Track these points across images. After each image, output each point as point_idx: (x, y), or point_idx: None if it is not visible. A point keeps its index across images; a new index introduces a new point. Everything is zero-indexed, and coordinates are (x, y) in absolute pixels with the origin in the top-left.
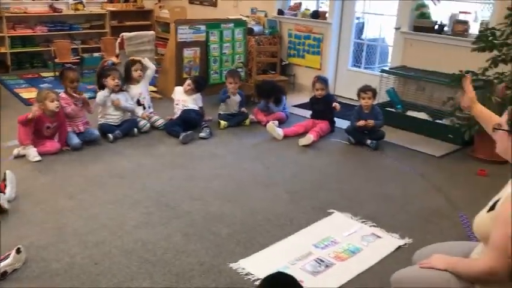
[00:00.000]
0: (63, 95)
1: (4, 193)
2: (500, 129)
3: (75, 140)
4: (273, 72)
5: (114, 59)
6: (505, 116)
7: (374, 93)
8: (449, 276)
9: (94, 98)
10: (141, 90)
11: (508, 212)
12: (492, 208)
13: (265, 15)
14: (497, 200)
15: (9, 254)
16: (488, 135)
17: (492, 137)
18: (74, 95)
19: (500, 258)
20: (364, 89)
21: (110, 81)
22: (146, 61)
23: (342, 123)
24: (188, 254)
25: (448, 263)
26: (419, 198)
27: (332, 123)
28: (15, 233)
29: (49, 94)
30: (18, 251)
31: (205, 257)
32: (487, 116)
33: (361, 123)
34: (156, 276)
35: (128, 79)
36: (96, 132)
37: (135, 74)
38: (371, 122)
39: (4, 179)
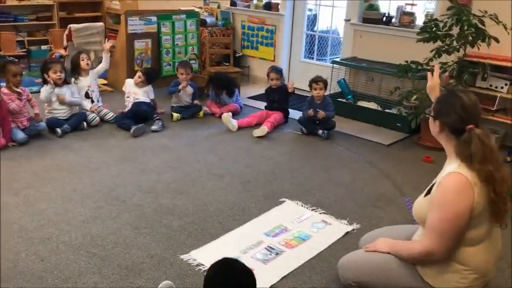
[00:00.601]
0: (4, 89)
1: None
2: (428, 114)
3: (20, 135)
4: (227, 63)
5: (62, 52)
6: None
7: (325, 84)
8: (392, 258)
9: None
10: (90, 82)
11: (440, 196)
12: (429, 192)
13: (218, 7)
14: (433, 184)
15: None
16: None
17: None
18: (16, 89)
19: (435, 240)
20: (316, 80)
21: (52, 75)
22: (105, 57)
23: (295, 114)
24: (138, 247)
25: (391, 246)
26: (368, 185)
27: (286, 113)
28: None
29: None
30: None
31: (155, 250)
32: None
33: (310, 112)
34: (105, 271)
35: (76, 70)
36: (43, 124)
37: (83, 63)
38: (322, 114)
39: None
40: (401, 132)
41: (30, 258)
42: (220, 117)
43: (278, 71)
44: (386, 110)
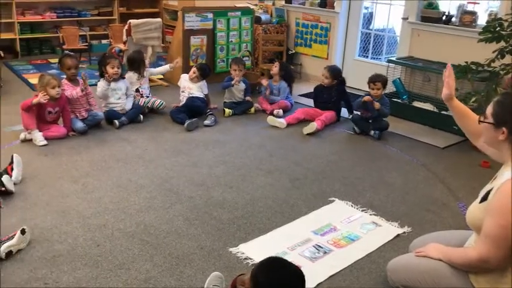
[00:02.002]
0: (65, 81)
1: (11, 176)
2: (485, 122)
3: (80, 124)
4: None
5: (121, 46)
6: (490, 109)
7: (384, 83)
8: (443, 264)
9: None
10: (143, 80)
11: (499, 202)
12: (484, 199)
13: (273, 4)
14: (490, 190)
15: (14, 235)
16: None
17: (462, 130)
18: (86, 84)
19: (491, 247)
20: (375, 80)
21: (109, 70)
22: (166, 68)
23: (347, 113)
24: (189, 237)
25: (442, 252)
26: (420, 188)
27: (338, 112)
28: (21, 214)
29: (50, 81)
30: (23, 232)
31: (205, 241)
32: (463, 111)
33: (367, 98)
34: (157, 259)
35: (141, 66)
36: (100, 114)
37: (147, 62)
38: (377, 105)
39: (11, 162)
40: (458, 136)
41: (88, 243)
42: (271, 113)
43: (329, 70)
44: (443, 112)
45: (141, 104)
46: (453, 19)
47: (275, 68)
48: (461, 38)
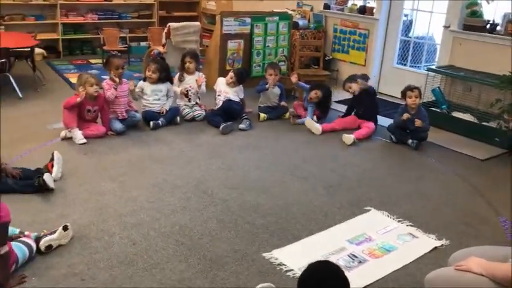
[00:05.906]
0: (108, 81)
1: (51, 173)
2: None
3: (119, 126)
4: (316, 66)
5: (160, 49)
6: None
7: (420, 93)
8: (485, 280)
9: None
10: (192, 83)
11: None
12: None
13: (311, 10)
14: None
15: (56, 230)
16: None
17: None
18: (115, 78)
19: None
20: (411, 88)
21: (147, 73)
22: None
23: (384, 122)
24: (223, 240)
25: (485, 267)
26: (459, 200)
27: (375, 121)
28: (59, 210)
29: (89, 79)
30: (65, 228)
31: (239, 245)
32: None
33: (406, 116)
34: (191, 260)
35: (182, 69)
36: (138, 115)
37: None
38: (419, 122)
39: (51, 159)
40: (499, 148)
41: (123, 241)
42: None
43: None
44: (484, 123)
45: (186, 111)
46: (498, 28)
47: (314, 96)
48: (506, 48)
